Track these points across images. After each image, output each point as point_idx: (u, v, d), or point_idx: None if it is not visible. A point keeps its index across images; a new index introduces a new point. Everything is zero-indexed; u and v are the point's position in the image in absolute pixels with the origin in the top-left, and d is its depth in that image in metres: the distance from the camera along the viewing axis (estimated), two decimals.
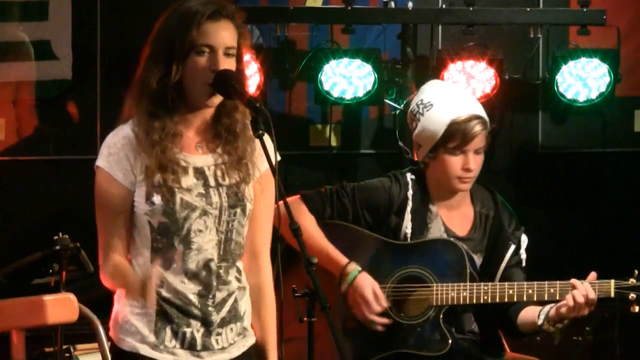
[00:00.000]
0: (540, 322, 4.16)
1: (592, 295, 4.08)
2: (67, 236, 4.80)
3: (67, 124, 6.16)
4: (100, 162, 3.21)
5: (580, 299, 4.06)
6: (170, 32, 3.16)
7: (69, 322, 4.21)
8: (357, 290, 4.19)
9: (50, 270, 4.80)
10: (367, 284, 4.19)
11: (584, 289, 4.08)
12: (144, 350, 3.22)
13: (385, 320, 4.22)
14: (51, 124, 6.15)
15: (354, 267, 4.21)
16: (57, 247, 4.75)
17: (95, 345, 4.53)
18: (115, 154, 3.19)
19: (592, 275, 4.14)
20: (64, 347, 4.70)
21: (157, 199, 3.16)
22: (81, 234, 5.02)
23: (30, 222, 6.11)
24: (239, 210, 3.25)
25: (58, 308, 4.15)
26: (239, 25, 3.21)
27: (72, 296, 4.19)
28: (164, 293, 3.21)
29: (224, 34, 3.17)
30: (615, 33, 6.11)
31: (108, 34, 6.14)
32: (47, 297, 4.17)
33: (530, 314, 4.21)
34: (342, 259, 4.22)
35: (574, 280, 4.12)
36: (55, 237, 4.79)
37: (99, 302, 4.58)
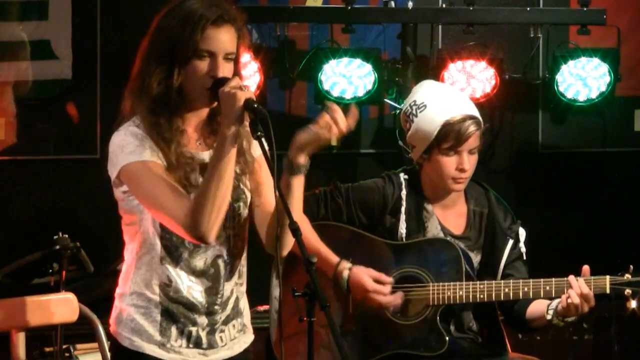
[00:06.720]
0: (549, 317, 4.16)
1: (586, 290, 4.07)
2: (67, 236, 4.80)
3: (67, 124, 6.16)
4: (132, 156, 3.15)
5: (576, 299, 4.05)
6: (173, 33, 3.17)
7: (69, 322, 4.22)
8: (357, 286, 4.18)
9: (50, 270, 4.81)
10: (363, 275, 4.17)
11: (578, 287, 4.07)
12: (150, 349, 3.24)
13: (399, 296, 4.19)
14: (51, 124, 6.15)
15: (344, 267, 4.19)
16: (57, 247, 4.76)
17: (95, 345, 4.53)
18: (141, 145, 3.16)
19: (585, 268, 4.12)
20: (64, 347, 4.70)
21: None
22: (81, 234, 5.03)
23: (30, 222, 6.11)
24: (241, 203, 3.29)
25: (58, 308, 4.16)
26: (239, 27, 3.23)
27: (72, 296, 4.20)
28: (172, 293, 3.23)
29: (225, 39, 3.18)
30: (615, 32, 6.10)
31: (108, 34, 6.13)
32: (47, 297, 4.18)
33: (539, 309, 4.20)
34: (334, 259, 4.21)
35: (570, 278, 4.11)
36: (55, 237, 4.80)
37: (99, 302, 4.60)
